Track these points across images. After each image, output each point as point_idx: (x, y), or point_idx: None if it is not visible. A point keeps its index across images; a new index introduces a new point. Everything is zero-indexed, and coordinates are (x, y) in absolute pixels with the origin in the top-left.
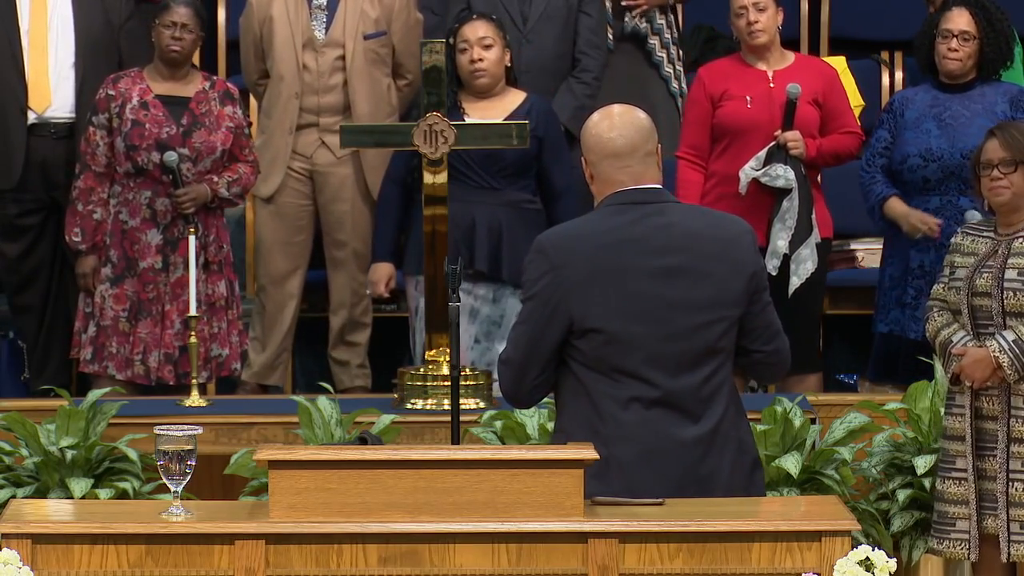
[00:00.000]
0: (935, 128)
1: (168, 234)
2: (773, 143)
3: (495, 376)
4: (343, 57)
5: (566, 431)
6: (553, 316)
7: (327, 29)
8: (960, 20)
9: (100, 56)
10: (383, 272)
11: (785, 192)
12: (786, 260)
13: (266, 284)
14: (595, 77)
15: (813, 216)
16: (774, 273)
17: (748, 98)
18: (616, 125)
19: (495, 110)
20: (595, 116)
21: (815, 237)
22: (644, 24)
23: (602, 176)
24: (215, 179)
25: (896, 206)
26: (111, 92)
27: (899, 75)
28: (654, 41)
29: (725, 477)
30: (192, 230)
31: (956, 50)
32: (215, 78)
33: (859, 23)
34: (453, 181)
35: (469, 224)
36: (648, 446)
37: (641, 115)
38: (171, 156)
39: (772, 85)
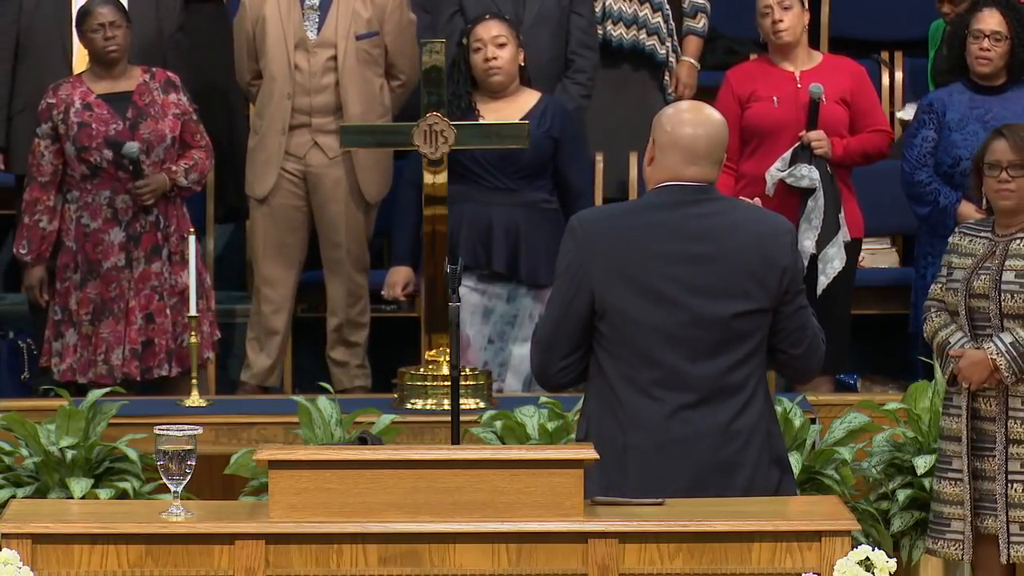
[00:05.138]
0: (981, 130)
1: (131, 230)
2: (798, 144)
3: (496, 377)
4: (335, 57)
5: (588, 416)
6: (578, 292)
7: (319, 29)
8: (991, 20)
9: (146, 62)
10: (401, 275)
11: (810, 192)
12: (813, 260)
13: (260, 286)
14: (589, 77)
15: (841, 215)
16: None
17: (775, 99)
18: (699, 123)
19: (510, 110)
20: (678, 109)
21: (843, 236)
22: (641, 34)
23: (664, 164)
24: (173, 168)
25: (971, 212)
26: (51, 101)
27: (899, 75)
28: (652, 41)
29: (748, 470)
30: (192, 230)
31: (988, 50)
32: (154, 70)
33: (859, 23)
34: (469, 183)
35: (486, 225)
36: (665, 436)
37: (718, 117)
38: (131, 147)
39: (799, 85)
